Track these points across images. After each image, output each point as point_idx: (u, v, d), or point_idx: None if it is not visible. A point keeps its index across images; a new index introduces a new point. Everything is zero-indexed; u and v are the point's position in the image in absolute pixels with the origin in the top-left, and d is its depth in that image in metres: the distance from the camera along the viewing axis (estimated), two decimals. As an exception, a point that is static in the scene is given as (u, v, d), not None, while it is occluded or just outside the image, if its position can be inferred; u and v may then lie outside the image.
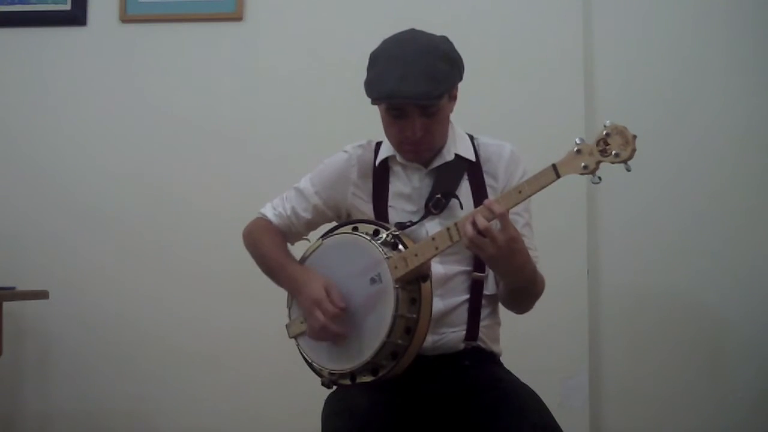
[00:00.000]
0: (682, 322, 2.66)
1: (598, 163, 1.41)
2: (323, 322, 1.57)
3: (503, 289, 1.66)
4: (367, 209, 1.73)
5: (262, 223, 1.83)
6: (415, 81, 1.56)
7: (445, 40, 1.66)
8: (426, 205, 1.68)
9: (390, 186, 1.74)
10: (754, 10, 2.73)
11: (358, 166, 1.77)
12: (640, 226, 2.69)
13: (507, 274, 1.56)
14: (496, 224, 1.46)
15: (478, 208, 1.48)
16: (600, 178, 1.42)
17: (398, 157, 1.73)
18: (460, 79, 1.66)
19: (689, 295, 2.67)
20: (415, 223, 1.67)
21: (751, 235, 2.66)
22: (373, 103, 1.66)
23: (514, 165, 1.72)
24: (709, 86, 2.71)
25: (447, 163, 1.71)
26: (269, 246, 1.77)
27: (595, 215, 2.69)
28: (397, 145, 1.69)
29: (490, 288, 1.70)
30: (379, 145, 1.78)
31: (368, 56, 1.67)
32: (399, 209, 1.71)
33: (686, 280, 2.67)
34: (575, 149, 1.42)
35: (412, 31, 1.67)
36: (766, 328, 2.62)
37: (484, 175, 1.72)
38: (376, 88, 1.60)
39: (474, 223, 1.45)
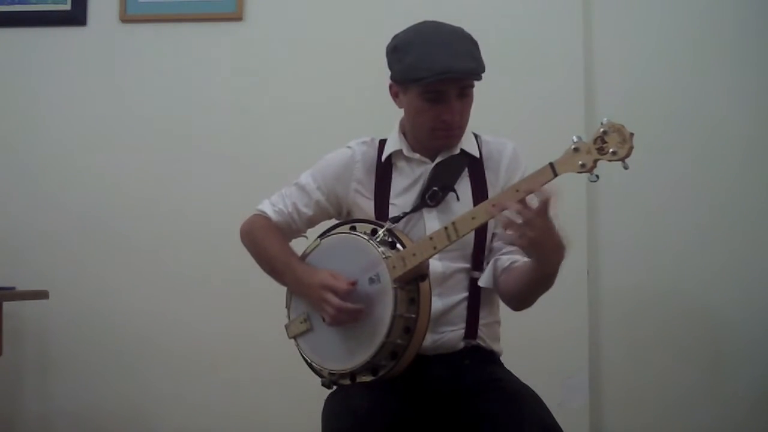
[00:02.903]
0: (682, 322, 2.66)
1: (596, 161, 1.41)
2: (338, 303, 1.57)
3: (528, 278, 1.57)
4: (368, 206, 1.73)
5: (261, 221, 1.81)
6: (463, 59, 1.60)
7: (463, 29, 1.68)
8: (423, 197, 1.68)
9: (393, 183, 1.74)
10: (758, 9, 2.72)
11: (362, 162, 1.77)
12: (639, 226, 2.69)
13: (544, 256, 1.49)
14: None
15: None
16: (597, 176, 1.42)
17: (405, 151, 1.74)
18: None
19: (689, 296, 2.67)
20: (408, 213, 1.67)
21: (752, 235, 2.66)
22: (406, 88, 1.66)
23: (516, 163, 1.73)
24: (711, 86, 2.70)
25: (451, 158, 1.72)
26: (273, 245, 1.76)
27: (595, 216, 2.69)
28: (430, 132, 1.68)
29: (483, 281, 1.68)
30: (382, 142, 1.78)
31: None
32: (400, 206, 1.71)
33: (686, 281, 2.66)
34: (573, 147, 1.42)
35: (431, 21, 1.69)
36: (766, 328, 2.62)
37: (486, 172, 1.73)
38: (426, 68, 1.59)
39: (501, 205, 1.43)
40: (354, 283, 1.59)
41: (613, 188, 2.62)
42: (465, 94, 1.65)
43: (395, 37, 1.70)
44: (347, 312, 1.58)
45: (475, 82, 1.66)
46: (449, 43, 1.61)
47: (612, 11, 2.75)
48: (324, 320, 1.65)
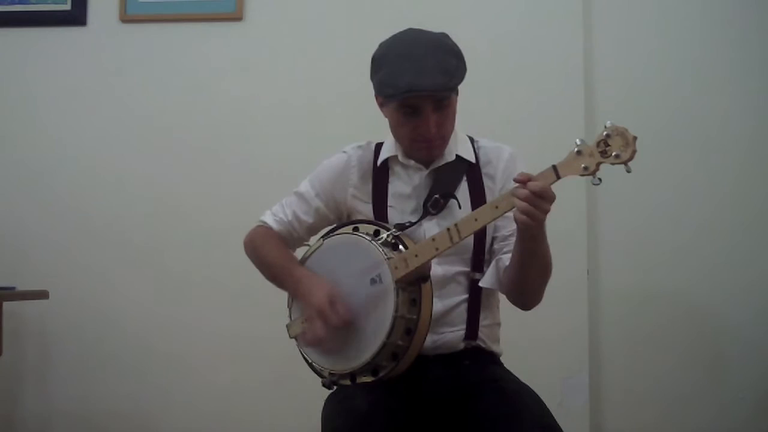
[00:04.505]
0: (682, 322, 2.66)
1: (599, 164, 1.40)
2: (320, 336, 1.58)
3: (521, 257, 1.56)
4: (366, 210, 1.74)
5: (262, 230, 1.82)
6: (430, 74, 1.58)
7: (446, 36, 1.67)
8: (424, 205, 1.68)
9: (390, 186, 1.74)
10: (758, 9, 2.72)
11: (358, 166, 1.77)
12: (639, 227, 2.69)
13: (541, 242, 1.52)
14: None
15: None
16: (600, 179, 1.42)
17: (400, 157, 1.74)
18: (465, 72, 1.66)
19: (689, 296, 2.67)
20: (414, 223, 1.67)
21: (752, 235, 2.66)
22: (384, 101, 1.66)
23: (512, 166, 1.72)
24: (711, 87, 2.70)
25: (447, 164, 1.72)
26: (272, 253, 1.77)
27: (595, 216, 2.69)
28: (410, 143, 1.69)
29: (485, 282, 1.68)
30: (378, 146, 1.79)
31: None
32: (398, 209, 1.71)
33: (686, 281, 2.67)
34: (576, 150, 1.42)
35: (412, 30, 1.68)
36: (766, 329, 2.62)
37: (483, 177, 1.73)
38: (392, 85, 1.59)
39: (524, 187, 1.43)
40: (348, 322, 1.58)
41: (613, 188, 2.61)
42: (442, 106, 1.63)
43: (379, 46, 1.69)
44: (323, 347, 1.60)
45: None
46: (419, 58, 1.59)
47: (612, 12, 2.75)
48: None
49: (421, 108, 1.61)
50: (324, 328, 1.57)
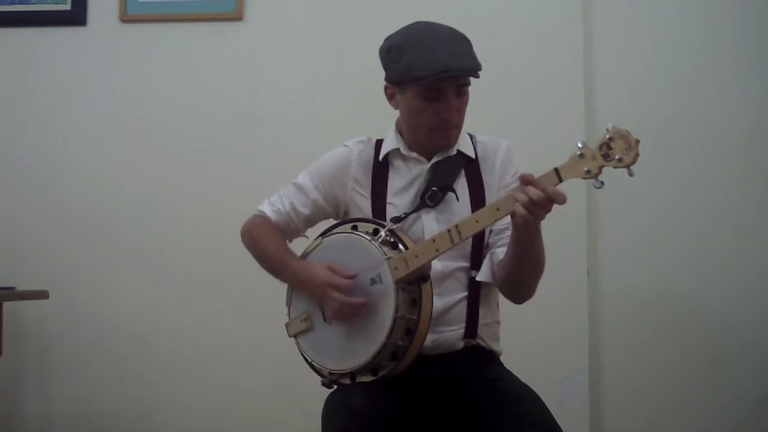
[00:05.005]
0: (682, 322, 2.66)
1: (601, 167, 1.40)
2: (342, 300, 1.58)
3: (522, 262, 1.58)
4: (366, 205, 1.74)
5: (259, 220, 1.82)
6: (461, 57, 1.61)
7: (455, 29, 1.68)
8: (422, 197, 1.68)
9: (389, 182, 1.74)
10: (758, 9, 2.72)
11: (359, 160, 1.77)
12: (639, 227, 2.69)
13: (537, 239, 1.54)
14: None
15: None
16: (602, 182, 1.41)
17: (402, 150, 1.74)
18: None
19: (689, 296, 2.67)
20: (409, 214, 1.67)
21: (752, 235, 2.66)
22: (403, 89, 1.66)
23: (509, 160, 1.73)
24: (711, 86, 2.70)
25: (448, 158, 1.72)
26: (269, 243, 1.77)
27: (595, 216, 2.69)
28: (429, 131, 1.69)
29: (481, 276, 1.68)
30: (379, 142, 1.79)
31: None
32: (399, 206, 1.71)
33: (686, 281, 2.67)
34: (578, 153, 1.41)
35: (423, 21, 1.69)
36: (766, 328, 2.62)
37: (482, 173, 1.74)
38: (424, 67, 1.59)
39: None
40: (353, 276, 1.60)
41: (613, 189, 2.59)
42: (462, 92, 1.66)
43: (388, 38, 1.70)
44: (353, 306, 1.58)
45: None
46: (446, 42, 1.62)
47: (612, 11, 2.75)
48: (324, 317, 1.66)
49: (445, 92, 1.63)
50: (340, 295, 1.58)
